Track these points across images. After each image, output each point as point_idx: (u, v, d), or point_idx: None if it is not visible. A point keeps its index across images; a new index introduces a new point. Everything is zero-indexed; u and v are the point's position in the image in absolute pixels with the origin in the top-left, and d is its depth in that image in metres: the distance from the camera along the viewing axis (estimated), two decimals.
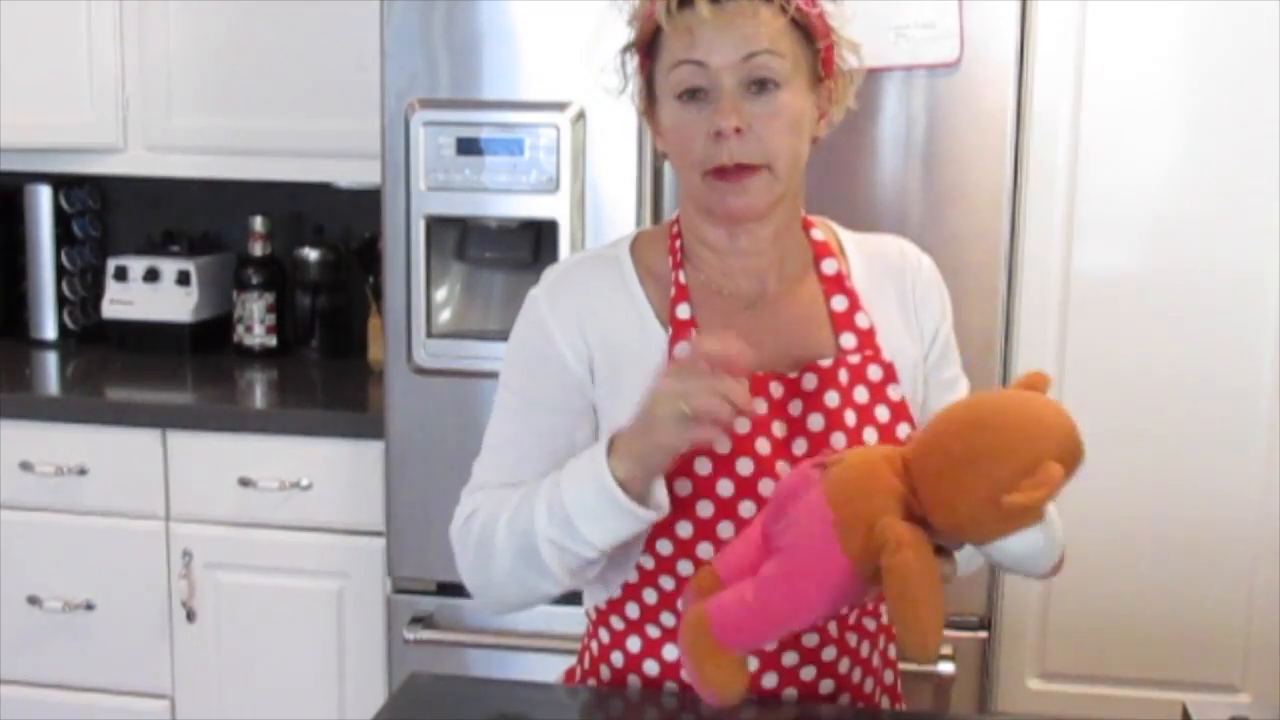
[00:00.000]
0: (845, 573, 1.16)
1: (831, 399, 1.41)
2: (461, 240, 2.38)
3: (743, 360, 1.26)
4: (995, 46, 2.13)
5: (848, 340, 1.44)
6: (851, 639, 1.44)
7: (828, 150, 1.42)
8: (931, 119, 2.16)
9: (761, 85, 1.36)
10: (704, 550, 1.37)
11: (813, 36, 1.39)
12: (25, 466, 2.59)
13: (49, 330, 3.10)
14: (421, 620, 2.36)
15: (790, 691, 1.42)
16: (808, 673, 1.42)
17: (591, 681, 1.51)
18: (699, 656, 1.22)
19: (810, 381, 1.41)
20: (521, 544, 1.37)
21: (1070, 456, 1.14)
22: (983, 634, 2.26)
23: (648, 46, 1.42)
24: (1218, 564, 2.26)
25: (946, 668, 2.19)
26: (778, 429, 1.40)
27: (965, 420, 1.18)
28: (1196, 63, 2.17)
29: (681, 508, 1.37)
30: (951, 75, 2.14)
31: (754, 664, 1.35)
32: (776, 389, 1.41)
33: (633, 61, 1.45)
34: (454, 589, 2.36)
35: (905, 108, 2.16)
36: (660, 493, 1.33)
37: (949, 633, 2.22)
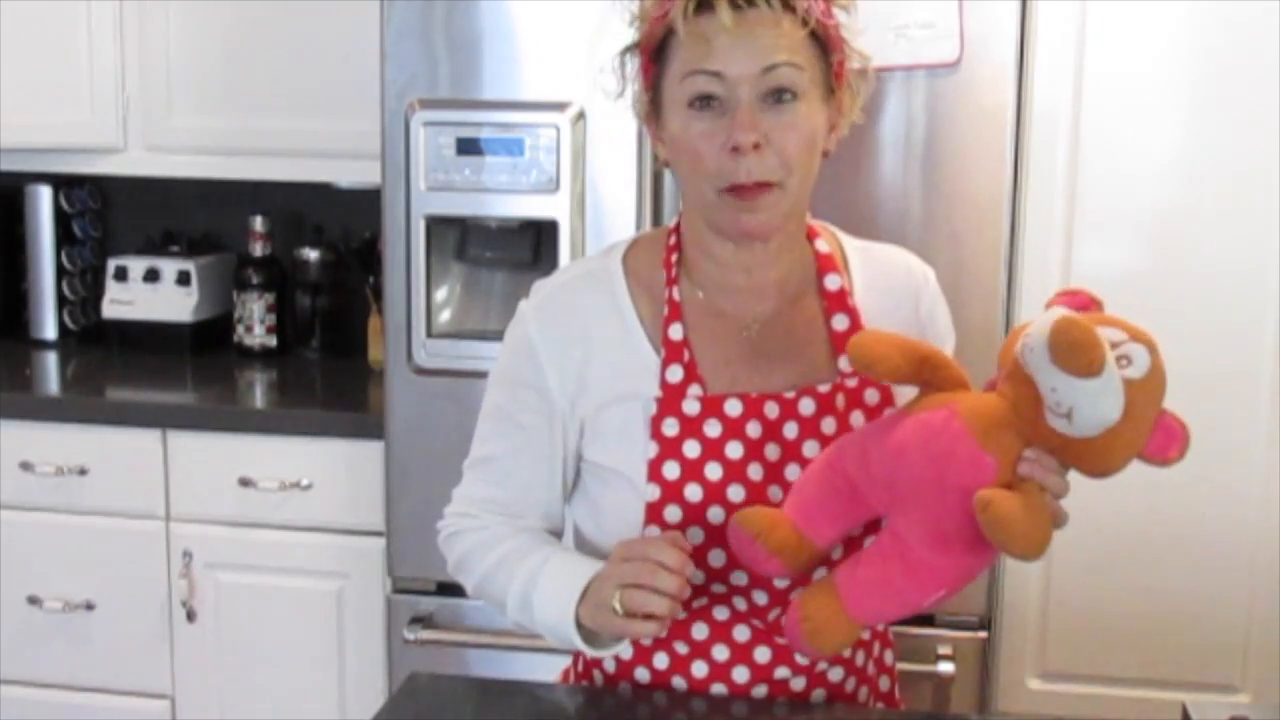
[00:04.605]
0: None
1: (828, 425, 1.39)
2: (461, 240, 2.38)
3: (687, 574, 1.29)
4: (995, 46, 2.13)
5: (846, 363, 1.38)
6: None
7: None
8: (931, 119, 2.16)
9: (779, 96, 1.30)
10: (694, 574, 1.34)
11: (829, 49, 1.34)
12: (25, 466, 2.59)
13: (49, 330, 3.10)
14: (421, 620, 2.36)
15: (781, 701, 1.41)
16: (798, 684, 1.41)
17: (584, 684, 1.51)
18: (820, 621, 1.27)
19: (807, 406, 1.38)
20: (493, 600, 1.47)
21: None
22: (983, 634, 2.25)
23: (655, 51, 1.35)
24: (1218, 564, 2.26)
25: (946, 668, 2.19)
26: (771, 452, 1.38)
27: None
28: (1196, 61, 2.17)
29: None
30: (951, 75, 2.14)
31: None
32: (772, 410, 1.38)
33: (633, 63, 1.39)
34: (454, 589, 2.35)
35: (905, 108, 2.16)
36: (618, 646, 1.39)
37: (949, 633, 2.23)
